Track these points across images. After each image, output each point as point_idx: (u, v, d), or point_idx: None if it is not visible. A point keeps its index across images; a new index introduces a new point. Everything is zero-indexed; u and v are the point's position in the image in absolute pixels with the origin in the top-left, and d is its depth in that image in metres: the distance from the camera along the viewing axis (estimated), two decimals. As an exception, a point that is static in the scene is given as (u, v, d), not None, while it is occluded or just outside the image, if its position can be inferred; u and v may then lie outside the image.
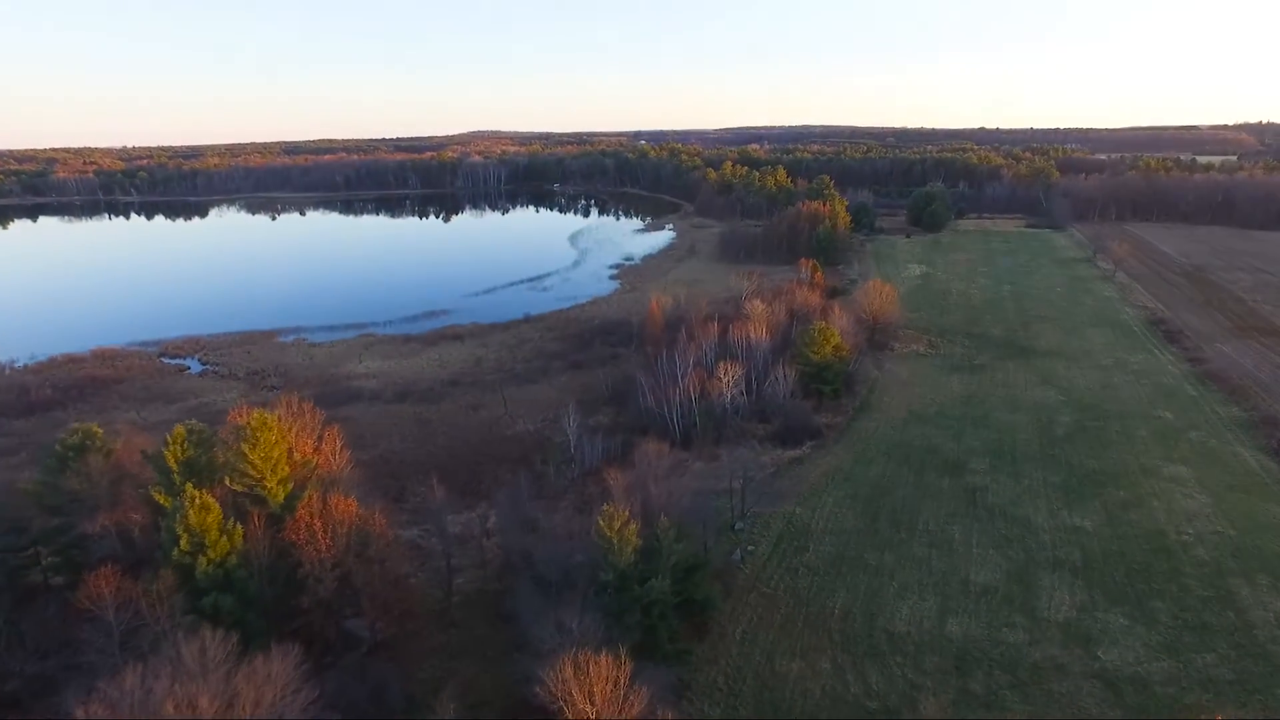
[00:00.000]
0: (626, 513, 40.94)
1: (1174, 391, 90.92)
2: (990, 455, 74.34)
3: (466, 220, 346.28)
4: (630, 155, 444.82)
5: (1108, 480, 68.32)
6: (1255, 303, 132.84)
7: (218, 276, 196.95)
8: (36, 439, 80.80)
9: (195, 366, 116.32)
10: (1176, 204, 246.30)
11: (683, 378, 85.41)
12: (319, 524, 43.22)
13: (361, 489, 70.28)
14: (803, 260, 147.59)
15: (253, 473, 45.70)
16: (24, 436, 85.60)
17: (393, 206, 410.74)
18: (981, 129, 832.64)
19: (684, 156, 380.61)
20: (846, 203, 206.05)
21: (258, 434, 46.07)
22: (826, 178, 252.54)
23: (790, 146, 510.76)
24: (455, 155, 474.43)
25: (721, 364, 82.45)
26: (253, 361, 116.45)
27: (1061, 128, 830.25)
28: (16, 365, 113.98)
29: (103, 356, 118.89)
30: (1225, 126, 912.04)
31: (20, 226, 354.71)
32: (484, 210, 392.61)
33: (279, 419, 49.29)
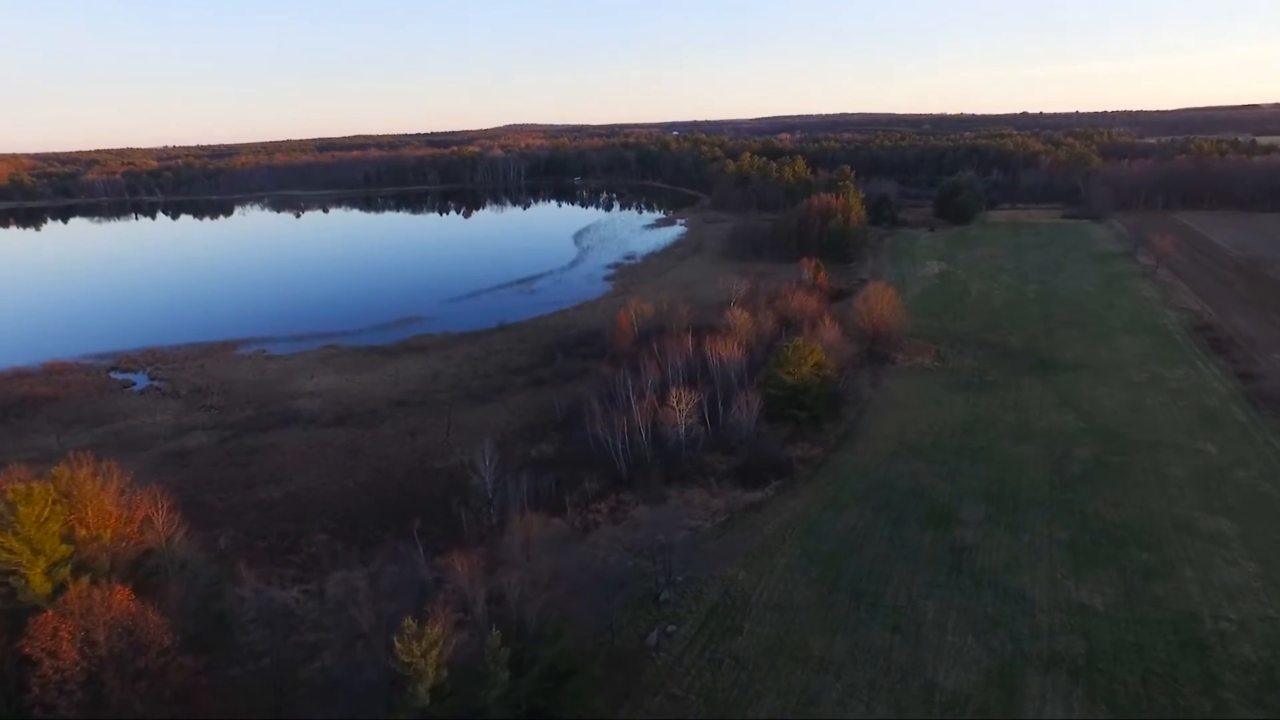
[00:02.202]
0: (439, 628, 30.71)
1: (1219, 416, 77.24)
2: (987, 501, 62.25)
3: (483, 216, 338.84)
4: (652, 147, 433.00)
5: (1129, 537, 55.91)
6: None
7: (206, 279, 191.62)
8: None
9: (142, 382, 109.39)
10: (1232, 189, 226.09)
11: (637, 402, 75.06)
12: (66, 630, 33.93)
13: (237, 546, 61.90)
14: (804, 260, 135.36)
15: (4, 559, 36.59)
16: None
17: (413, 202, 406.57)
18: (1024, 114, 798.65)
19: (704, 148, 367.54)
20: (862, 195, 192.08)
21: (16, 508, 36.96)
22: (846, 168, 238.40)
23: (819, 136, 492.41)
24: (477, 150, 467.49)
25: (675, 389, 71.47)
26: (202, 377, 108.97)
27: (1109, 110, 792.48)
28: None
29: (51, 371, 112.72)
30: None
31: (51, 228, 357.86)
32: (504, 205, 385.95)
33: (59, 486, 40.14)
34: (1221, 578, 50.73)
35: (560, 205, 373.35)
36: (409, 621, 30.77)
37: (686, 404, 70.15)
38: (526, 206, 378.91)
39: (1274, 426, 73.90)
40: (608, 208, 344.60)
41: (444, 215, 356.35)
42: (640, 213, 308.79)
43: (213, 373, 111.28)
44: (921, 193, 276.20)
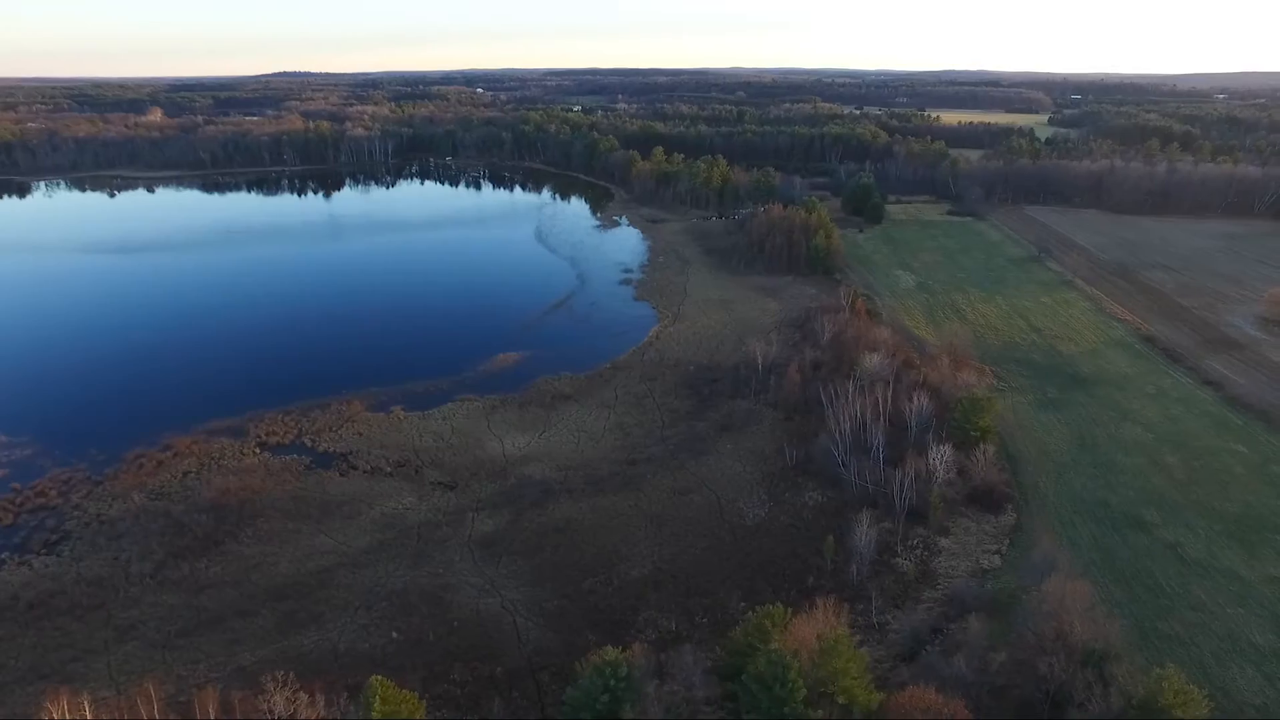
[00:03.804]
0: None
1: (1224, 421, 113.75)
2: (1153, 506, 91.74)
3: (372, 201, 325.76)
4: (526, 128, 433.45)
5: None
6: (1199, 310, 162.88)
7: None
8: None
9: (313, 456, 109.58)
10: (1061, 188, 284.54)
11: (880, 449, 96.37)
12: None
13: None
14: (842, 288, 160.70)
15: None
16: None
17: (269, 186, 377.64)
18: (786, 68, 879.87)
19: (597, 136, 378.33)
20: (826, 213, 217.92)
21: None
22: (815, 200, 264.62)
23: (660, 101, 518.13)
24: (331, 128, 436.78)
25: (933, 446, 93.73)
26: (377, 446, 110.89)
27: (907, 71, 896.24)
28: None
29: (204, 451, 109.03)
30: (1026, 79, 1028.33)
31: None
32: (369, 187, 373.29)
33: None
34: None
35: (479, 189, 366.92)
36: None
37: (944, 457, 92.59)
38: (390, 187, 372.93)
39: (1261, 427, 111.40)
40: (512, 190, 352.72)
41: (301, 196, 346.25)
42: (557, 201, 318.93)
43: (380, 439, 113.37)
44: (814, 181, 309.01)
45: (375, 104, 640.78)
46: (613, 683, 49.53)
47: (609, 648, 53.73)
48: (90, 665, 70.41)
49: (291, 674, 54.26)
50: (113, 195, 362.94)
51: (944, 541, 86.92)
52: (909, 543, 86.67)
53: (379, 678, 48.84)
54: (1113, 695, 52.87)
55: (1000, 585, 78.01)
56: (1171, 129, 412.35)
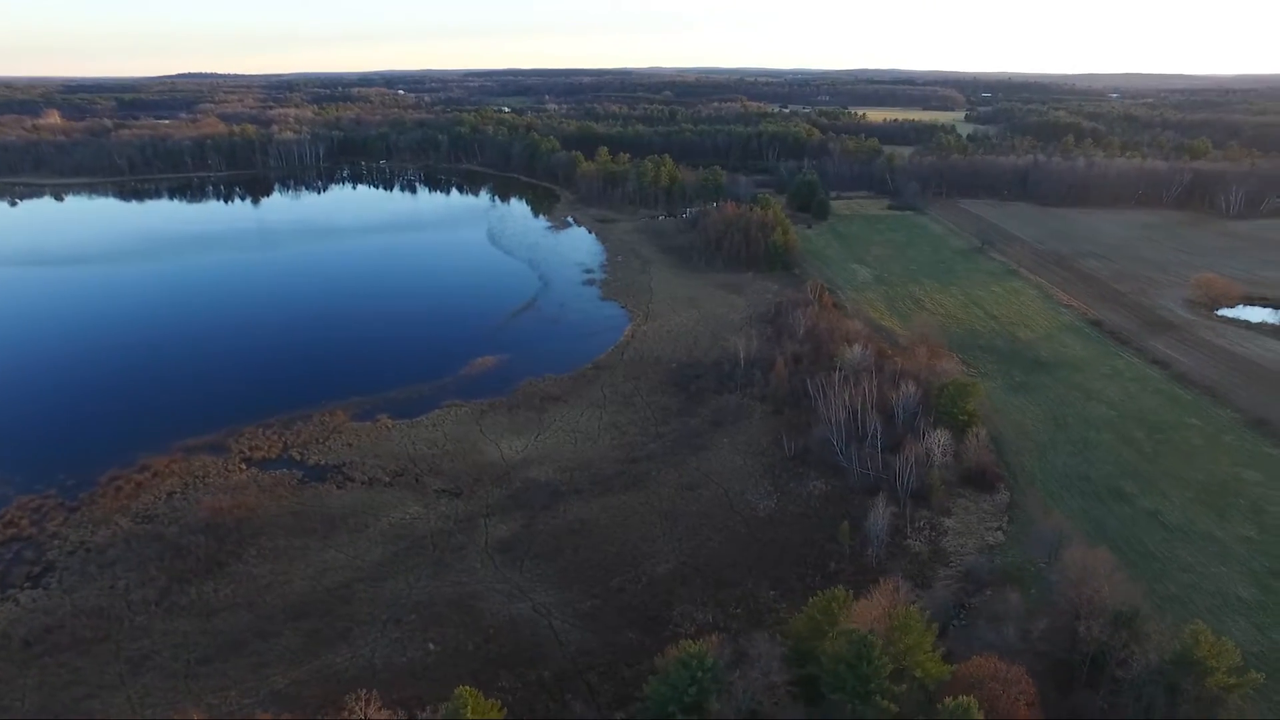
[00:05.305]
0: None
1: (1176, 398, 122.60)
2: (1129, 478, 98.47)
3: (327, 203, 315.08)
4: (462, 130, 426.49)
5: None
6: (1134, 295, 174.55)
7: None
8: None
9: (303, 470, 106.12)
10: (990, 182, 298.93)
11: (878, 437, 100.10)
12: None
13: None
14: (810, 283, 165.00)
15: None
16: None
17: (193, 192, 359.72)
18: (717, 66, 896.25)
19: (537, 137, 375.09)
20: (781, 208, 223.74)
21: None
22: (768, 196, 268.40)
23: (588, 101, 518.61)
24: (257, 131, 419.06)
25: (927, 432, 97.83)
26: (370, 456, 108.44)
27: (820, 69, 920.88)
28: None
29: (187, 469, 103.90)
30: (939, 77, 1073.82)
31: None
32: (300, 191, 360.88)
33: None
34: None
35: (415, 193, 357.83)
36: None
37: (941, 441, 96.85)
38: (321, 192, 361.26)
39: (1210, 401, 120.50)
40: (461, 193, 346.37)
41: (229, 202, 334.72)
42: (499, 204, 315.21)
43: (371, 448, 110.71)
44: (758, 179, 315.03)
45: (296, 106, 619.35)
46: (699, 674, 50.39)
47: (687, 640, 54.54)
48: (108, 701, 66.66)
49: (374, 691, 52.84)
50: (14, 204, 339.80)
51: (948, 522, 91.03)
52: (916, 525, 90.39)
53: (467, 688, 48.23)
54: (1150, 653, 56.83)
55: (1009, 560, 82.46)
56: (1081, 126, 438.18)
